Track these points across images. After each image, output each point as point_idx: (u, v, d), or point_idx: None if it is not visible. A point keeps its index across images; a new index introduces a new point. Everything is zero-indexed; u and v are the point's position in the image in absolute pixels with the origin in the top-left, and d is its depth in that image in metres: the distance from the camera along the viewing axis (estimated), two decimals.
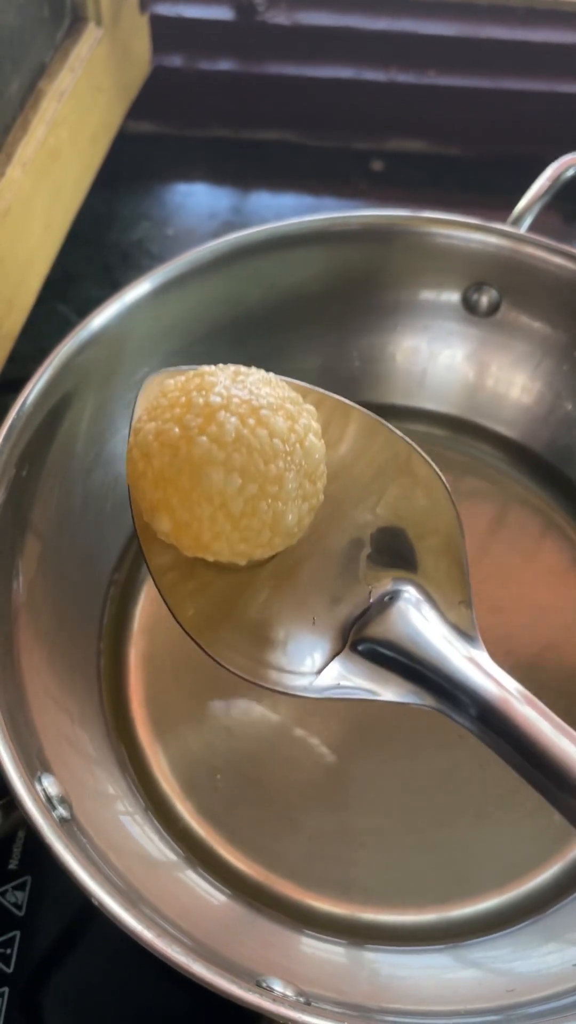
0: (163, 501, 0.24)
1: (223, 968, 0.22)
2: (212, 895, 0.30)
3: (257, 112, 0.55)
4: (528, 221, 0.37)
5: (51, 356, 0.31)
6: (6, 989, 0.30)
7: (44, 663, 0.30)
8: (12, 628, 0.30)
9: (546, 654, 0.36)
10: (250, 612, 0.26)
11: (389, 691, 0.25)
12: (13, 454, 0.30)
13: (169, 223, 0.52)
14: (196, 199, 0.54)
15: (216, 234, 0.35)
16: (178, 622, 0.25)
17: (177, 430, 0.24)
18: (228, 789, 0.33)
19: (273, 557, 0.26)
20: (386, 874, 0.31)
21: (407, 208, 0.37)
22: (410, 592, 0.26)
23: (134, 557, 0.37)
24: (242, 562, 0.25)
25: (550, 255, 0.36)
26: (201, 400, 0.24)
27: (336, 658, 0.25)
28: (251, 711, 0.34)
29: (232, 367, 0.25)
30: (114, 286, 0.34)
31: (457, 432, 0.41)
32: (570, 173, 0.37)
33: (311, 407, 0.25)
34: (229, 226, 0.51)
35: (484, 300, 0.38)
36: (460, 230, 0.37)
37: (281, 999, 0.23)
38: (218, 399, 0.24)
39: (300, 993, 0.25)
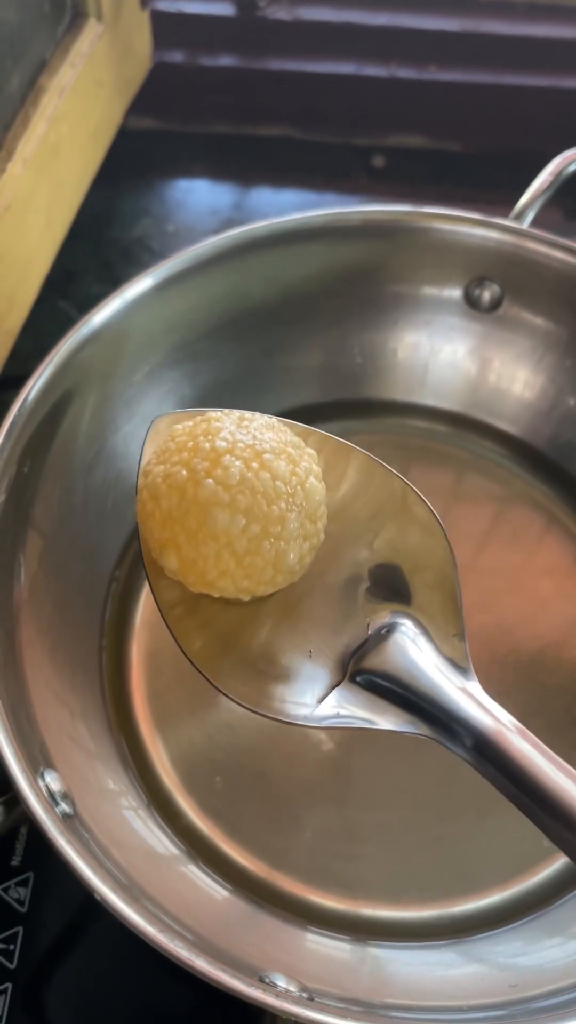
0: (171, 540, 0.25)
1: (226, 963, 0.22)
2: (215, 890, 0.30)
3: (258, 108, 0.55)
4: (530, 216, 0.36)
5: (52, 353, 0.31)
6: (9, 985, 0.30)
7: (46, 659, 0.30)
8: (14, 624, 0.30)
9: (548, 651, 0.36)
10: (254, 645, 0.27)
11: (387, 721, 0.25)
12: (15, 451, 0.30)
13: (170, 219, 0.52)
14: (197, 195, 0.54)
15: (217, 230, 0.35)
16: (185, 655, 0.26)
17: (184, 473, 0.25)
18: (230, 785, 0.33)
19: (276, 593, 0.27)
20: (389, 870, 0.31)
21: (408, 204, 0.37)
22: (407, 625, 0.27)
23: (135, 554, 0.37)
24: (246, 598, 0.26)
25: (552, 250, 0.36)
26: (207, 445, 0.25)
27: (335, 689, 0.26)
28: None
29: (237, 413, 0.27)
30: (115, 283, 0.34)
31: (459, 428, 0.41)
32: (572, 168, 0.36)
33: (312, 451, 0.27)
34: (230, 222, 0.51)
35: (486, 295, 0.38)
36: (462, 225, 0.36)
37: (284, 995, 0.23)
38: (223, 444, 0.25)
39: (303, 989, 0.25)
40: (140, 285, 0.34)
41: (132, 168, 0.53)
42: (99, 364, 0.34)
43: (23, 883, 0.32)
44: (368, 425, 0.41)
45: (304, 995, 0.24)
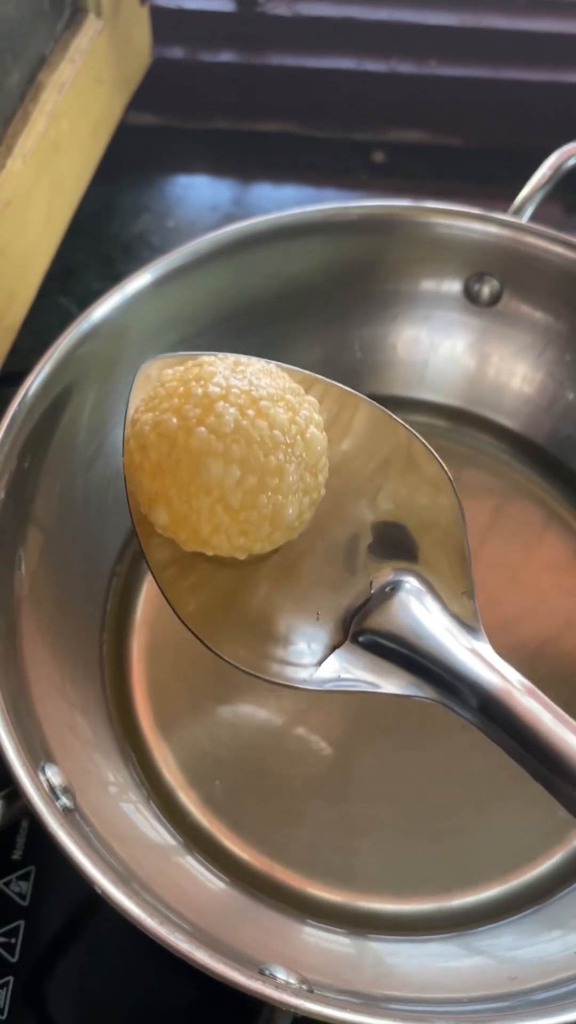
0: (161, 493, 0.24)
1: (226, 956, 0.23)
2: (215, 884, 0.30)
3: (258, 103, 0.55)
4: (530, 211, 0.36)
5: (52, 348, 0.31)
6: (10, 978, 0.30)
7: (47, 654, 0.30)
8: (15, 620, 0.30)
9: (548, 645, 0.36)
10: (251, 606, 0.26)
11: (390, 683, 0.24)
12: (15, 446, 0.30)
13: (170, 215, 0.52)
14: (197, 191, 0.54)
15: (217, 226, 0.35)
16: (179, 617, 0.25)
17: (175, 420, 0.23)
18: (230, 779, 0.33)
19: (273, 551, 0.25)
20: (388, 864, 0.31)
21: (408, 199, 0.37)
22: (411, 583, 0.26)
23: (136, 549, 0.37)
24: (242, 556, 0.25)
25: (552, 245, 0.36)
26: (200, 390, 0.23)
27: (337, 650, 0.25)
28: (254, 702, 0.34)
29: (232, 356, 0.25)
30: (115, 278, 0.34)
31: (458, 423, 0.41)
32: (571, 163, 0.36)
33: (313, 399, 0.25)
34: (230, 218, 0.51)
35: (486, 290, 0.38)
36: (461, 220, 0.36)
37: (284, 987, 0.23)
38: (217, 389, 0.23)
39: (303, 981, 0.25)
40: (140, 280, 0.34)
41: (132, 164, 0.53)
42: (99, 359, 0.34)
43: (24, 877, 0.32)
44: None
45: (304, 987, 0.24)
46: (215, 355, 0.25)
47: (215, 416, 0.23)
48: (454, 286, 0.39)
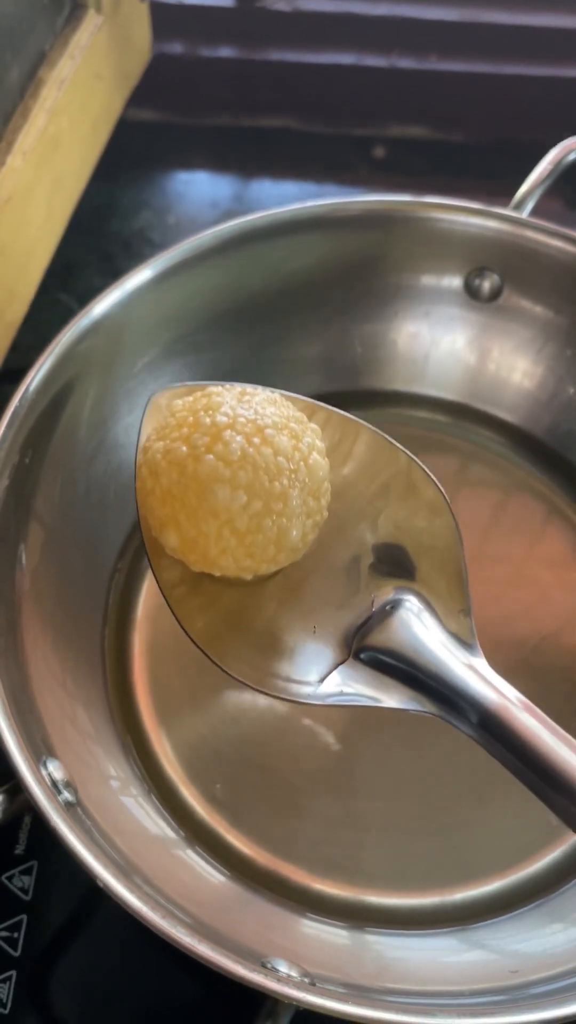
0: (171, 517, 0.25)
1: (228, 949, 0.23)
2: (216, 878, 0.30)
3: (258, 99, 0.55)
4: (530, 206, 0.36)
5: (53, 344, 0.31)
6: (13, 973, 0.30)
7: (48, 649, 0.31)
8: (16, 615, 0.30)
9: (549, 640, 0.36)
10: (256, 624, 0.27)
11: (391, 698, 0.25)
12: (16, 441, 0.30)
13: (171, 211, 0.52)
14: (198, 187, 0.54)
15: (218, 222, 0.35)
16: (188, 634, 0.26)
17: (184, 449, 0.24)
18: (232, 774, 0.33)
19: (278, 572, 0.27)
20: (389, 858, 0.31)
21: (409, 194, 0.37)
22: (411, 601, 0.26)
23: (138, 546, 0.37)
24: (248, 577, 0.26)
25: (552, 239, 0.36)
26: (208, 420, 0.25)
27: (339, 667, 0.26)
28: (255, 697, 0.34)
29: (238, 387, 0.26)
30: (115, 275, 0.34)
31: (459, 418, 0.41)
32: (572, 157, 0.36)
33: (315, 426, 0.26)
34: (231, 214, 0.51)
35: (486, 285, 0.38)
36: (461, 215, 0.36)
37: (286, 980, 0.23)
38: (224, 419, 0.24)
39: (305, 974, 0.25)
40: (140, 276, 0.34)
41: (132, 160, 0.53)
42: (99, 355, 0.34)
43: (27, 871, 0.32)
44: (368, 416, 0.39)
45: (306, 980, 0.24)
46: (222, 385, 0.26)
47: (223, 444, 0.24)
48: (454, 281, 0.39)
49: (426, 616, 0.26)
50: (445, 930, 0.30)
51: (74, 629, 0.33)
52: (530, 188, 0.36)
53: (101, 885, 0.23)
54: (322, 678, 0.26)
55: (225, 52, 0.53)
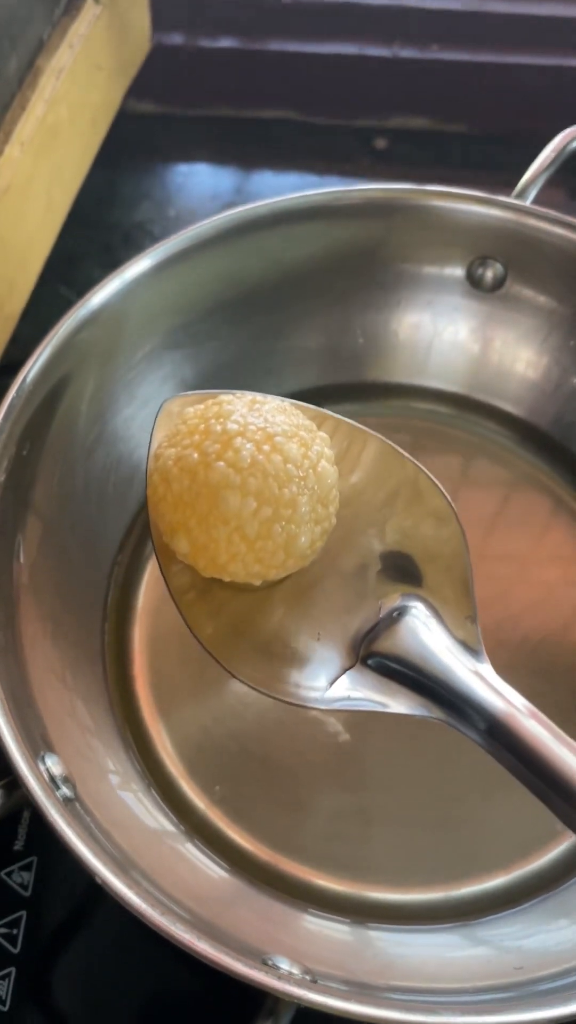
0: (182, 523, 0.25)
1: (229, 946, 0.22)
2: (217, 873, 0.30)
3: (259, 90, 0.54)
4: (533, 194, 0.36)
5: (51, 334, 0.31)
6: (12, 969, 0.30)
7: (47, 644, 0.30)
8: (14, 609, 0.29)
9: (554, 636, 0.36)
10: (265, 629, 0.27)
11: (398, 703, 0.26)
12: (14, 432, 0.30)
13: (171, 203, 0.52)
14: (198, 179, 0.53)
15: (218, 214, 0.35)
16: (198, 640, 0.27)
17: (196, 456, 0.25)
18: (233, 769, 0.33)
19: (287, 578, 0.27)
20: (392, 853, 0.31)
21: (411, 183, 0.37)
22: (418, 608, 0.27)
23: (137, 539, 0.37)
24: (257, 582, 0.26)
25: (556, 227, 0.35)
26: (219, 427, 0.25)
27: (347, 672, 0.26)
28: (257, 693, 0.34)
29: (249, 395, 0.27)
30: (116, 267, 0.34)
31: (462, 410, 0.40)
32: (574, 145, 0.36)
33: (324, 434, 0.27)
34: (232, 206, 0.50)
35: (489, 274, 0.38)
36: (464, 203, 0.36)
37: (287, 977, 0.23)
38: (235, 426, 0.25)
39: (306, 971, 0.25)
40: (139, 266, 0.34)
41: (132, 152, 0.53)
42: (98, 346, 0.33)
43: (26, 867, 0.32)
44: (370, 408, 0.41)
45: (307, 977, 0.24)
46: (233, 394, 0.27)
47: (233, 451, 0.25)
48: (457, 271, 0.38)
49: (432, 623, 0.26)
50: (449, 926, 0.29)
51: (73, 623, 0.33)
52: (532, 176, 0.36)
53: (99, 882, 0.23)
54: (330, 683, 0.26)
55: (226, 42, 0.53)
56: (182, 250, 0.34)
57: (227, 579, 0.26)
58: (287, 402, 0.27)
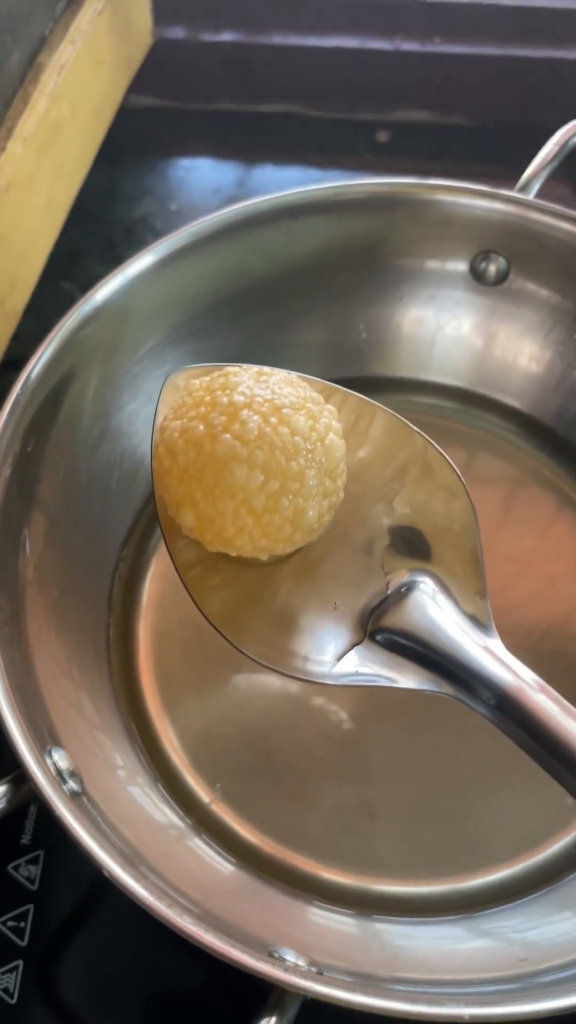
0: (187, 496, 0.25)
1: (235, 938, 0.22)
2: (223, 866, 0.30)
3: (261, 84, 0.54)
4: (536, 188, 0.36)
5: (54, 330, 0.31)
6: (20, 962, 0.30)
7: (53, 638, 0.30)
8: (20, 604, 0.30)
9: (556, 627, 0.36)
10: (272, 605, 0.27)
11: (407, 679, 0.25)
12: (18, 429, 0.30)
13: (173, 198, 0.52)
14: (200, 173, 0.53)
15: (220, 209, 0.35)
16: (204, 615, 0.26)
17: (202, 428, 0.24)
18: (238, 763, 0.33)
19: (294, 552, 0.27)
20: (397, 846, 0.31)
21: (413, 177, 0.37)
22: (427, 583, 0.26)
23: (142, 533, 0.37)
24: (264, 557, 0.26)
25: (559, 221, 0.35)
26: (225, 399, 0.25)
27: (355, 648, 0.26)
28: (261, 686, 0.34)
29: (255, 367, 0.26)
30: (118, 263, 0.34)
31: (466, 404, 0.40)
32: None
33: (332, 407, 0.26)
34: (234, 200, 0.50)
35: (492, 269, 0.38)
36: (466, 197, 0.36)
37: (293, 969, 0.23)
38: (241, 398, 0.24)
39: (312, 963, 0.25)
40: (142, 262, 0.34)
41: (134, 147, 0.53)
42: (101, 342, 0.33)
43: (33, 861, 0.32)
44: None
45: (313, 969, 0.24)
46: (240, 366, 0.26)
47: (240, 423, 0.24)
48: (460, 265, 0.38)
49: (441, 598, 0.26)
50: (453, 918, 0.30)
51: (79, 617, 0.33)
52: (535, 170, 0.36)
53: (107, 875, 0.23)
54: (338, 659, 0.26)
55: (227, 36, 0.53)
56: (185, 246, 0.34)
57: (233, 553, 0.25)
58: (294, 374, 0.27)
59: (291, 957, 0.25)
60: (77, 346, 0.32)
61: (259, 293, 0.37)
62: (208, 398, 0.25)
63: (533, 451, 0.39)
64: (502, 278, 0.38)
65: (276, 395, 0.25)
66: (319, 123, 0.55)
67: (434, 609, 0.26)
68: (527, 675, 0.24)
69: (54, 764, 0.26)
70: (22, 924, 0.31)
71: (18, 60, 0.39)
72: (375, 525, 0.27)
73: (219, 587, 0.27)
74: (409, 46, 0.52)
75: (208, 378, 0.26)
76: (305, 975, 0.22)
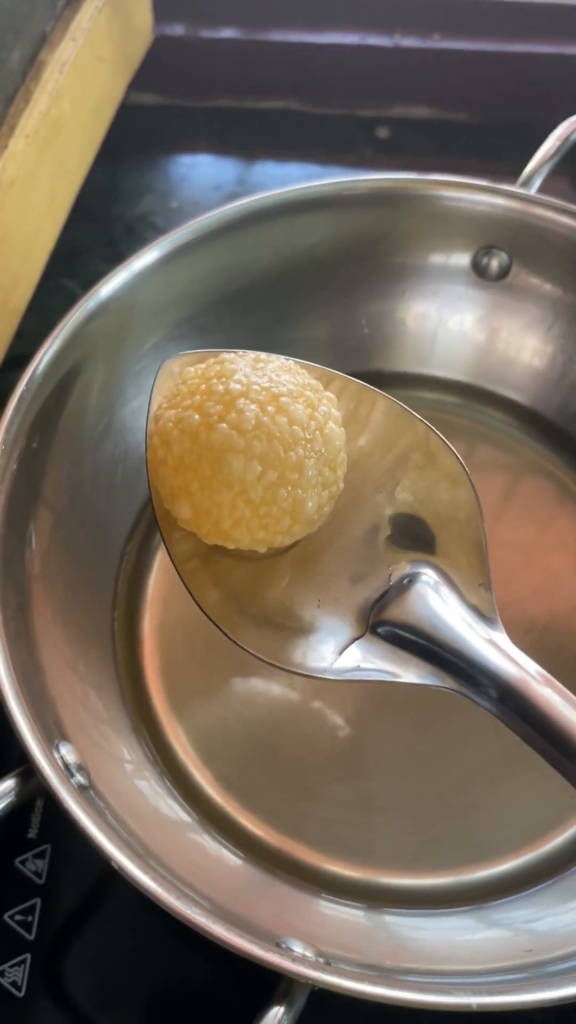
0: (183, 488, 0.24)
1: (243, 930, 0.23)
2: (229, 859, 0.30)
3: (261, 80, 0.54)
4: (537, 183, 0.36)
5: (60, 326, 0.31)
6: (28, 956, 0.31)
7: (59, 633, 0.31)
8: (26, 599, 0.30)
9: (559, 620, 0.36)
10: (271, 598, 0.26)
11: (410, 673, 0.25)
12: (24, 425, 0.30)
13: (174, 195, 0.52)
14: (200, 170, 0.53)
15: (221, 206, 0.35)
16: (201, 608, 0.26)
17: (197, 417, 0.24)
18: (244, 757, 0.33)
19: (293, 544, 0.26)
20: (403, 839, 0.31)
21: (414, 173, 0.37)
22: (429, 574, 0.26)
23: (146, 529, 0.37)
24: (262, 549, 0.25)
25: (560, 216, 0.35)
26: (221, 387, 0.24)
27: (356, 641, 0.26)
28: (266, 679, 0.34)
29: (252, 354, 0.26)
30: (120, 260, 0.34)
31: (468, 399, 0.41)
32: None
33: (331, 395, 0.26)
34: (234, 197, 0.50)
35: (494, 263, 0.38)
36: (468, 192, 0.36)
37: (301, 959, 0.23)
38: (238, 386, 0.24)
39: (320, 954, 0.25)
40: (146, 258, 0.34)
41: (134, 144, 0.53)
42: (106, 337, 0.34)
43: (40, 855, 0.32)
44: None
45: (321, 960, 0.24)
46: (236, 353, 0.26)
47: (236, 412, 0.23)
48: (462, 260, 0.38)
49: (444, 590, 0.26)
50: (460, 909, 0.30)
51: (84, 612, 0.33)
52: (537, 165, 0.36)
53: (116, 867, 0.23)
54: (339, 653, 0.25)
55: (227, 33, 0.53)
56: (188, 242, 0.34)
57: (231, 546, 0.25)
58: (292, 361, 0.26)
59: (298, 948, 0.25)
60: (82, 341, 0.32)
61: (262, 289, 0.38)
62: (204, 386, 0.24)
63: (535, 444, 0.39)
64: (504, 273, 0.38)
65: (273, 383, 0.24)
66: (319, 119, 0.55)
67: (437, 601, 0.25)
68: (532, 667, 0.23)
69: (61, 758, 0.26)
70: (29, 918, 0.31)
71: (19, 58, 0.39)
72: (376, 515, 0.27)
73: (216, 580, 0.26)
74: (409, 42, 0.52)
75: (204, 365, 0.25)
76: (313, 965, 0.23)
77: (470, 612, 0.25)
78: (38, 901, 0.31)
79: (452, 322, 0.40)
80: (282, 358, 0.26)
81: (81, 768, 0.26)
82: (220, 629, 0.26)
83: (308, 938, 0.26)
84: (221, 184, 0.52)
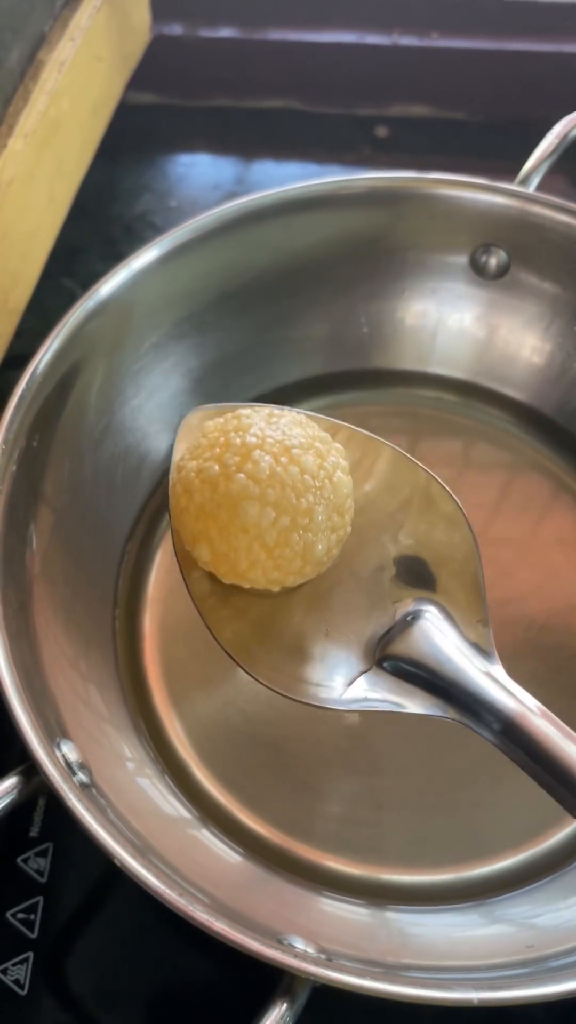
0: (203, 533, 0.26)
1: (245, 926, 0.23)
2: (231, 856, 0.30)
3: (259, 80, 0.54)
4: (536, 181, 0.36)
5: (60, 325, 0.31)
6: (30, 954, 0.31)
7: (60, 631, 0.31)
8: (27, 598, 0.30)
9: (557, 618, 0.36)
10: (284, 633, 0.28)
11: (415, 704, 0.26)
12: (24, 424, 0.30)
13: (172, 195, 0.52)
14: (199, 170, 0.53)
15: (220, 205, 0.35)
16: (219, 643, 0.27)
17: (216, 468, 0.26)
18: (245, 754, 0.33)
19: (304, 583, 0.28)
20: (404, 835, 0.32)
21: (413, 172, 0.37)
22: (431, 611, 0.28)
23: (146, 528, 0.37)
24: (276, 589, 0.27)
25: (559, 214, 0.35)
26: (238, 440, 0.26)
27: (363, 674, 0.27)
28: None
29: (266, 409, 0.28)
30: (119, 259, 0.34)
31: (467, 397, 0.41)
32: None
33: (339, 445, 0.28)
34: (233, 196, 0.50)
35: (493, 262, 0.38)
36: (467, 191, 0.36)
37: (303, 955, 0.23)
38: (253, 439, 0.26)
39: (321, 951, 0.25)
40: (146, 257, 0.34)
41: (133, 143, 0.53)
42: (106, 337, 0.34)
43: (42, 854, 0.32)
44: (376, 395, 0.41)
45: (323, 956, 0.24)
46: (251, 407, 0.28)
47: (252, 463, 0.26)
48: (461, 258, 0.38)
49: (445, 626, 0.27)
50: (461, 905, 0.30)
51: (85, 610, 0.33)
52: (535, 164, 0.36)
53: (118, 864, 0.23)
54: (347, 685, 0.27)
55: (225, 32, 0.53)
56: (188, 241, 0.34)
57: (247, 585, 0.27)
58: (303, 414, 0.28)
59: (300, 945, 0.25)
60: (82, 340, 0.32)
61: (261, 288, 0.38)
62: (222, 439, 0.26)
63: (534, 441, 0.40)
64: (503, 271, 0.38)
65: (286, 436, 0.26)
66: (318, 118, 0.55)
67: (439, 637, 0.27)
68: (529, 701, 0.25)
69: (63, 756, 0.26)
70: (32, 916, 0.31)
71: (18, 57, 0.39)
72: (381, 556, 0.29)
73: (233, 617, 0.28)
74: (407, 41, 0.52)
75: (222, 419, 0.27)
76: (315, 961, 0.23)
77: (470, 647, 0.27)
78: (40, 899, 0.31)
79: (451, 320, 0.40)
80: (294, 412, 0.28)
81: (83, 766, 0.27)
82: (237, 663, 0.27)
83: (309, 935, 0.26)
84: (220, 183, 0.52)
